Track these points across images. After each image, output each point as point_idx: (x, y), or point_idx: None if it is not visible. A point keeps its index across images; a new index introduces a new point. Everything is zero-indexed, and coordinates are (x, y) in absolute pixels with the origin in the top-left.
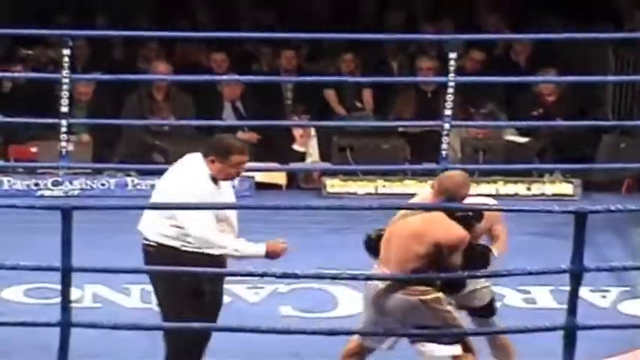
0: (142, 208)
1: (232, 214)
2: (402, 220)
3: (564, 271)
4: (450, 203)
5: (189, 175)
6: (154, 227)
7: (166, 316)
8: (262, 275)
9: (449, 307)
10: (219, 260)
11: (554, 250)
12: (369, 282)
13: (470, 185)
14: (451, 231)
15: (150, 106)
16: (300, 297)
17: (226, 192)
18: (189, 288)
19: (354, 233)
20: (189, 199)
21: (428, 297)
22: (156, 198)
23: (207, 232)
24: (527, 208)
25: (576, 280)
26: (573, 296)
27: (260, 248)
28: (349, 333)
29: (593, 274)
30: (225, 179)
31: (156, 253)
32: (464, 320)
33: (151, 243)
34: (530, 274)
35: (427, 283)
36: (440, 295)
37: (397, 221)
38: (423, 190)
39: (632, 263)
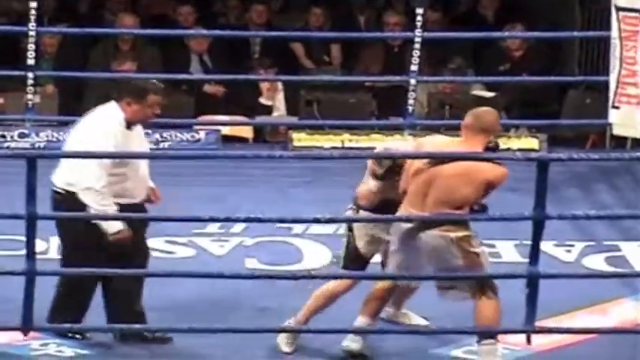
0: (108, 156)
1: (141, 161)
2: (436, 164)
3: (526, 218)
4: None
5: (99, 119)
6: (62, 174)
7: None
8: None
9: (478, 249)
10: (134, 208)
11: (520, 206)
12: (398, 224)
13: None
14: (497, 168)
15: (115, 56)
16: (266, 250)
17: (139, 137)
18: (92, 238)
19: (321, 187)
20: (97, 142)
21: (460, 234)
22: (68, 145)
23: (92, 182)
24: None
25: (538, 228)
26: (535, 245)
27: (116, 226)
28: (311, 277)
29: (558, 229)
30: (142, 121)
31: (61, 200)
32: (488, 262)
33: (57, 189)
34: (493, 219)
35: (459, 221)
36: (470, 233)
37: (429, 165)
38: (431, 139)
39: (595, 213)
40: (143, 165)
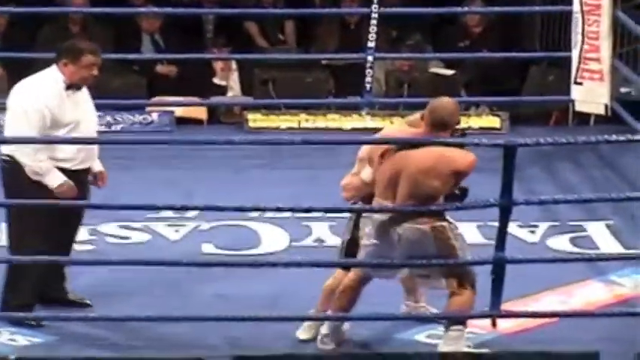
0: (62, 142)
1: (89, 123)
2: (402, 155)
3: (493, 205)
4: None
5: (34, 81)
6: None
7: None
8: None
9: (454, 239)
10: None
11: (482, 187)
12: (372, 215)
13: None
14: (465, 157)
15: (65, 38)
16: (222, 234)
17: (83, 100)
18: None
19: (278, 169)
20: (29, 104)
21: (436, 224)
22: (7, 110)
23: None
24: (453, 140)
25: (505, 215)
26: (502, 230)
27: (57, 179)
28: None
29: (522, 209)
30: (80, 83)
31: (8, 167)
32: (466, 251)
33: (3, 157)
34: (459, 209)
35: (434, 212)
36: (445, 223)
37: (394, 156)
38: (392, 126)
39: (561, 196)
40: (86, 129)
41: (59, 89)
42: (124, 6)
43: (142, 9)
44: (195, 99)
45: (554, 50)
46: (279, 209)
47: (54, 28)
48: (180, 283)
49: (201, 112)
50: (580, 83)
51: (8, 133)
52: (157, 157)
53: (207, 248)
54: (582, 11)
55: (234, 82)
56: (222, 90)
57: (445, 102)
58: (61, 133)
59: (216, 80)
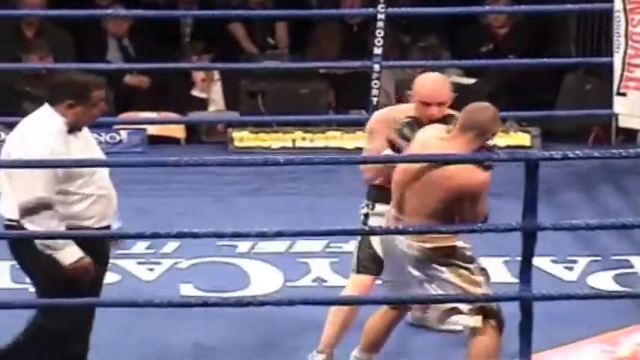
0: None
1: (102, 171)
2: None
3: (514, 229)
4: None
5: (37, 130)
6: (11, 202)
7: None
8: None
9: (468, 265)
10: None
11: (508, 214)
12: (390, 238)
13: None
14: (473, 174)
15: (19, 45)
16: (204, 273)
17: (85, 141)
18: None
19: (267, 195)
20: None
21: (443, 245)
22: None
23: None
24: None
25: (529, 241)
26: (527, 260)
27: (71, 253)
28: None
29: (556, 242)
30: (87, 123)
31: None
32: (487, 284)
33: (7, 223)
34: (474, 231)
35: (444, 232)
36: (456, 244)
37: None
38: (421, 132)
39: (599, 221)
40: (101, 179)
41: (63, 136)
42: (86, 7)
43: (108, 10)
44: (172, 115)
45: (593, 55)
46: (262, 235)
47: (5, 33)
48: (154, 331)
49: (178, 130)
50: (624, 94)
51: (16, 194)
52: (127, 182)
53: (187, 290)
54: (625, 10)
55: (216, 94)
56: (202, 104)
57: (485, 106)
58: (73, 188)
59: (195, 93)
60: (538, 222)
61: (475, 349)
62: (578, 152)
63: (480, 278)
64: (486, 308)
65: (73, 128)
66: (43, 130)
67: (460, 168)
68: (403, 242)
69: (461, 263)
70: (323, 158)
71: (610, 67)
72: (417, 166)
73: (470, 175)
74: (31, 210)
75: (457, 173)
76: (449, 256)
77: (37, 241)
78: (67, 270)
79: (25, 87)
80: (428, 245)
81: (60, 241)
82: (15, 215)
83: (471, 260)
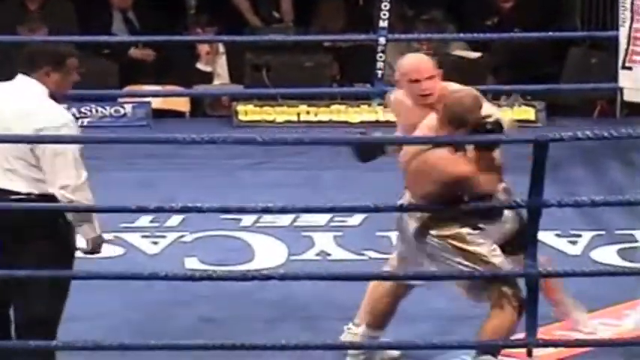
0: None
1: None
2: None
3: (519, 206)
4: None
5: (43, 102)
6: (22, 175)
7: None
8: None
9: (475, 247)
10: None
11: (518, 189)
12: (403, 216)
13: (482, 105)
14: (455, 165)
15: (22, 17)
16: (209, 247)
17: None
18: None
19: (272, 168)
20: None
21: (447, 232)
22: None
23: (80, 183)
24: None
25: (535, 218)
26: (532, 237)
27: (98, 229)
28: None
29: (560, 217)
30: (65, 91)
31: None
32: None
33: (20, 196)
34: (479, 208)
35: (448, 217)
36: (462, 230)
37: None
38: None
39: (605, 198)
40: None
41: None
42: None
43: None
44: (176, 88)
45: (598, 29)
46: (266, 210)
47: (8, 6)
48: (159, 305)
49: (182, 104)
50: (629, 68)
51: (66, 171)
52: (131, 157)
53: (191, 263)
54: None
55: (221, 67)
56: (207, 77)
57: (462, 96)
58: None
59: (200, 66)
60: (544, 199)
61: (491, 323)
62: (587, 132)
63: (493, 259)
64: (511, 287)
65: (53, 98)
66: (46, 102)
67: (440, 159)
68: (411, 225)
69: (467, 247)
70: (330, 138)
71: (615, 40)
72: (412, 152)
73: (452, 165)
74: (82, 184)
75: (437, 164)
76: (455, 240)
77: (73, 215)
78: (91, 241)
79: None
80: (433, 232)
81: (91, 214)
82: (34, 189)
83: (479, 244)
